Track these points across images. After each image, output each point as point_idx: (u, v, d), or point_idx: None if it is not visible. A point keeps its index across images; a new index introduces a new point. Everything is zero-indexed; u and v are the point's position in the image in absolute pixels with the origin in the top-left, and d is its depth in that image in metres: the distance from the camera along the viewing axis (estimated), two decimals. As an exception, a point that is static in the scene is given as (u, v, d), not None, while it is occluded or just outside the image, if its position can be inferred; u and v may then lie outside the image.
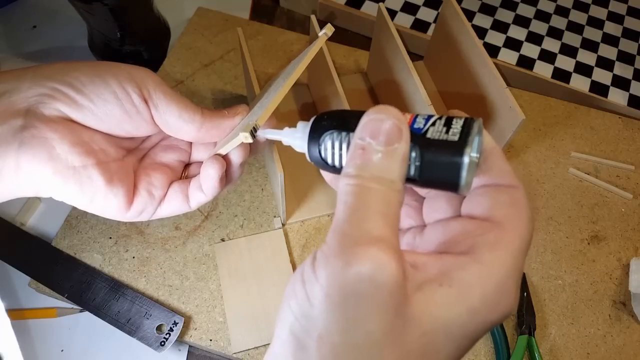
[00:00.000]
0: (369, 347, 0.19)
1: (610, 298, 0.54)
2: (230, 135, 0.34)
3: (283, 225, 0.56)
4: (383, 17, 0.56)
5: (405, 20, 0.74)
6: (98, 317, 0.50)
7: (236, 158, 0.34)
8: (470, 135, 0.21)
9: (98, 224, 0.55)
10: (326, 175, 0.28)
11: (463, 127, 0.22)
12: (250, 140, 0.31)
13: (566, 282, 0.55)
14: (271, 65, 0.68)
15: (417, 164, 0.22)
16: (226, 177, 0.35)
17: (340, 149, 0.25)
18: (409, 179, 0.23)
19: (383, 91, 0.64)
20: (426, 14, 0.75)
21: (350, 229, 0.20)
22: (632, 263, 0.55)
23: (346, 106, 0.49)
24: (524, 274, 0.55)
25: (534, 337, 0.51)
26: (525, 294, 0.53)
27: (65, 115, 0.30)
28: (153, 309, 0.50)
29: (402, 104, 0.56)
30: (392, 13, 0.74)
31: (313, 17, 0.55)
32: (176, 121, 0.33)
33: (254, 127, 0.31)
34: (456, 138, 0.22)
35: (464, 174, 0.21)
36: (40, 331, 0.52)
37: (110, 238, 0.55)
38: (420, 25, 0.73)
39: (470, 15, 0.75)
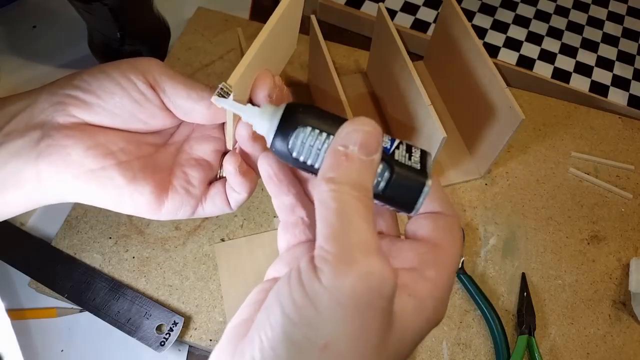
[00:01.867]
0: (369, 355, 0.20)
1: (610, 298, 0.54)
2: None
3: (283, 225, 0.56)
4: (383, 17, 0.56)
5: (405, 20, 0.74)
6: (98, 317, 0.50)
7: (241, 137, 0.31)
8: (428, 167, 0.25)
9: (98, 224, 0.55)
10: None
11: (421, 157, 0.26)
12: (219, 104, 0.29)
13: (566, 282, 0.55)
14: (271, 65, 0.68)
15: (384, 180, 0.24)
16: (252, 167, 0.32)
17: (318, 148, 0.25)
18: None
19: (383, 91, 0.64)
20: (426, 14, 0.75)
21: (347, 236, 0.20)
22: (632, 263, 0.55)
23: (346, 106, 0.49)
24: (523, 274, 0.55)
25: (534, 337, 0.51)
26: (525, 294, 0.53)
27: (79, 120, 0.30)
28: (153, 309, 0.50)
29: (402, 104, 0.56)
30: (392, 13, 0.74)
31: (313, 17, 0.55)
32: (185, 102, 0.31)
33: (221, 88, 0.29)
34: (418, 166, 0.25)
35: (421, 199, 0.24)
36: (40, 331, 0.52)
37: (110, 238, 0.55)
38: (420, 25, 0.73)
39: (470, 15, 0.75)
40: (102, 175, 0.30)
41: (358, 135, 0.22)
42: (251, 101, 0.31)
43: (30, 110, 0.30)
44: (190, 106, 0.31)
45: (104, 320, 0.49)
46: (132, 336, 0.49)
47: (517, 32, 0.74)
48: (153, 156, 0.32)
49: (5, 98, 0.31)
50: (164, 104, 0.31)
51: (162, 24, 0.68)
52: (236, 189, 0.32)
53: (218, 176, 0.34)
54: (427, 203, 0.26)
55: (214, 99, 0.29)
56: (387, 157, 0.25)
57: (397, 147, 0.25)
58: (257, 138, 0.30)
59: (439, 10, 0.60)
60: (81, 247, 0.54)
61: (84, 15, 0.60)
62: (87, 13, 0.59)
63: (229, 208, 0.33)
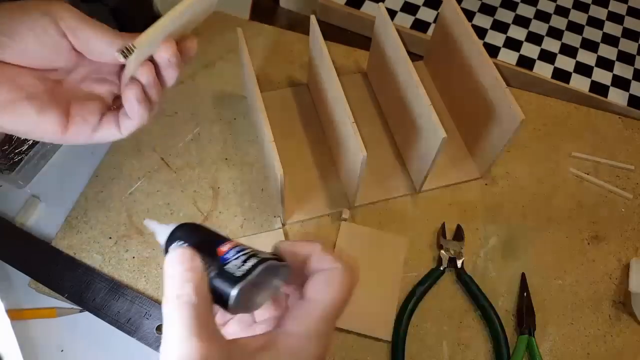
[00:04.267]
0: None
1: (610, 298, 0.54)
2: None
3: (283, 225, 0.56)
4: (383, 17, 0.56)
5: (405, 20, 0.74)
6: (98, 317, 0.50)
7: (144, 79, 0.37)
8: (251, 274, 0.30)
9: (98, 224, 0.55)
10: None
11: (253, 265, 0.30)
12: (121, 60, 0.35)
13: (566, 282, 0.55)
14: (271, 65, 0.68)
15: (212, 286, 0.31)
16: (148, 100, 0.39)
17: None
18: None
19: (383, 91, 0.64)
20: (426, 14, 0.75)
21: (166, 338, 0.26)
22: (632, 263, 0.55)
23: (346, 106, 0.49)
24: (523, 274, 0.55)
25: (534, 337, 0.51)
26: (525, 294, 0.53)
27: None
28: (153, 309, 0.50)
29: (402, 104, 0.56)
30: (392, 13, 0.74)
31: (313, 17, 0.55)
32: (96, 44, 0.35)
33: (126, 47, 0.35)
34: (240, 274, 0.30)
35: (231, 301, 0.29)
36: (40, 331, 0.52)
37: (110, 238, 0.55)
38: (420, 25, 0.73)
39: (470, 15, 0.75)
40: (14, 107, 0.34)
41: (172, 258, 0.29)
42: (154, 59, 0.37)
43: None
44: (101, 49, 0.36)
45: (103, 320, 0.49)
46: (132, 336, 0.49)
47: (517, 32, 0.74)
48: (56, 90, 0.37)
49: None
50: (72, 46, 0.35)
51: (162, 24, 0.68)
52: (132, 116, 0.38)
53: (111, 108, 0.40)
54: (309, 267, 0.31)
55: (117, 55, 0.35)
56: (219, 267, 0.31)
57: (236, 258, 0.32)
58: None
59: (439, 10, 0.60)
60: (81, 247, 0.54)
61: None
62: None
63: (119, 133, 0.39)
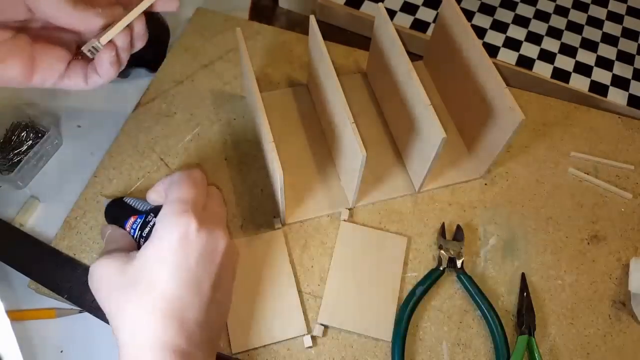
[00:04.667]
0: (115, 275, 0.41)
1: (610, 298, 0.54)
2: (116, 23, 0.40)
3: (283, 225, 0.56)
4: (382, 17, 0.56)
5: (404, 20, 0.74)
6: (97, 317, 0.50)
7: (120, 43, 0.41)
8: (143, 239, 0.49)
9: (97, 225, 0.55)
10: None
11: (145, 235, 0.49)
12: (88, 56, 0.40)
13: (566, 282, 0.55)
14: (271, 65, 0.68)
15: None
16: (118, 62, 0.42)
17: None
18: None
19: (382, 91, 0.64)
20: (426, 14, 0.75)
21: None
22: (632, 263, 0.55)
23: (346, 106, 0.49)
24: (523, 274, 0.55)
25: (534, 337, 0.51)
26: (525, 294, 0.53)
27: None
28: (153, 310, 0.50)
29: (401, 104, 0.56)
30: (392, 13, 0.74)
31: (312, 17, 0.55)
32: (48, 8, 0.37)
33: (94, 47, 0.40)
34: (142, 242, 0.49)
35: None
36: (39, 332, 0.52)
37: (110, 238, 0.54)
38: (420, 25, 0.73)
39: (469, 15, 0.75)
40: None
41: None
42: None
43: None
44: (52, 13, 0.37)
45: (103, 320, 0.49)
46: (132, 337, 0.48)
47: (517, 32, 0.74)
48: (15, 39, 0.38)
49: None
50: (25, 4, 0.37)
51: (162, 24, 0.68)
52: (102, 74, 0.42)
53: (76, 58, 0.43)
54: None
55: (84, 51, 0.39)
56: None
57: (135, 234, 0.49)
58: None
59: (439, 10, 0.60)
60: (81, 248, 0.54)
61: (83, 15, 0.60)
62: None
63: (84, 84, 0.42)
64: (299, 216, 0.56)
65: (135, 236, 0.49)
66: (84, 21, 0.38)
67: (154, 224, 0.46)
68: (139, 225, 0.49)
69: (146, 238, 0.48)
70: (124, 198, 0.53)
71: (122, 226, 0.50)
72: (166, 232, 0.40)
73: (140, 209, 0.51)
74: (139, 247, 0.48)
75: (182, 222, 0.40)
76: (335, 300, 0.51)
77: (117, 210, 0.52)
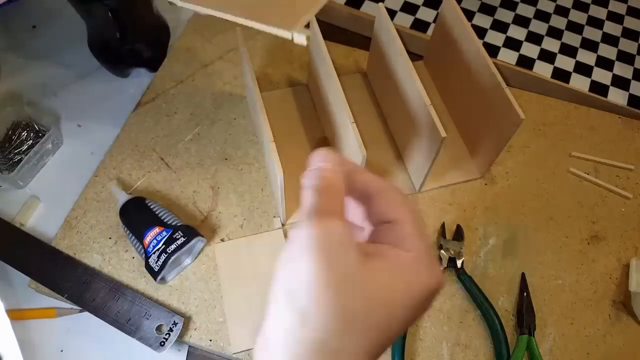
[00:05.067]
0: (344, 284, 0.25)
1: (610, 298, 0.54)
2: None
3: (283, 225, 0.56)
4: (383, 17, 0.56)
5: (405, 20, 0.74)
6: (98, 317, 0.50)
7: None
8: (164, 268, 0.49)
9: (98, 224, 0.55)
10: None
11: (163, 262, 0.49)
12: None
13: (566, 282, 0.55)
14: (271, 65, 0.68)
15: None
16: None
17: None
18: None
19: (383, 91, 0.64)
20: (426, 13, 0.75)
21: (304, 211, 0.27)
22: (632, 263, 0.55)
23: (346, 106, 0.49)
24: (523, 274, 0.55)
25: (534, 337, 0.51)
26: (525, 294, 0.53)
27: None
28: (153, 309, 0.50)
29: (401, 104, 0.56)
30: (392, 13, 0.74)
31: (313, 17, 0.55)
32: None
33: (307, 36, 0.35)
34: (157, 268, 0.50)
35: (157, 281, 0.51)
36: (40, 331, 0.52)
37: (110, 238, 0.54)
38: (420, 25, 0.73)
39: (470, 15, 0.75)
40: None
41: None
42: None
43: None
44: None
45: (103, 320, 0.49)
46: (132, 336, 0.48)
47: (517, 32, 0.74)
48: None
49: None
50: None
51: (162, 24, 0.68)
52: None
53: None
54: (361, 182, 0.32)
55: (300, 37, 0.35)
56: (146, 258, 0.51)
57: (154, 253, 0.50)
58: None
59: (439, 10, 0.60)
60: (81, 247, 0.54)
61: (83, 15, 0.60)
62: (86, 13, 0.59)
63: None
64: (299, 216, 0.56)
65: (155, 248, 0.49)
66: None
67: (181, 244, 0.50)
68: (164, 239, 0.50)
69: (169, 255, 0.49)
70: (147, 201, 0.54)
71: (142, 232, 0.50)
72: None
73: (167, 221, 0.52)
74: (147, 260, 0.50)
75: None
76: (335, 300, 0.52)
77: (140, 213, 0.53)
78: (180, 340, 0.50)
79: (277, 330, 0.25)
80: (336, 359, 0.24)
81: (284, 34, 0.35)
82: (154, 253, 0.49)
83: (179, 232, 0.51)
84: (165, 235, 0.50)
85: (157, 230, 0.50)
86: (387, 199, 0.30)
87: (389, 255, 0.27)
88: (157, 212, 0.52)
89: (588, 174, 0.62)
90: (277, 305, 0.26)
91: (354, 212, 0.33)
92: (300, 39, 0.34)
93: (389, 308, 0.26)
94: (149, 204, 0.53)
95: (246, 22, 0.36)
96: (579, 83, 0.70)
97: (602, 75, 0.71)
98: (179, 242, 0.50)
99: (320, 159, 0.30)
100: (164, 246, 0.49)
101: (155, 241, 0.50)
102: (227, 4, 0.37)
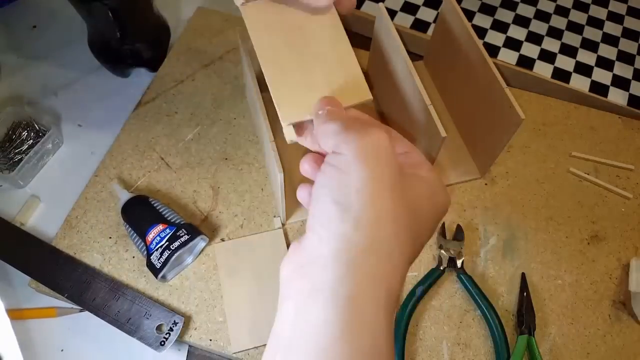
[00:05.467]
0: (387, 191, 0.27)
1: (610, 298, 0.54)
2: None
3: (283, 225, 0.56)
4: (383, 17, 0.56)
5: (405, 20, 0.74)
6: (98, 317, 0.50)
7: None
8: (167, 265, 0.50)
9: (98, 224, 0.55)
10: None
11: (166, 258, 0.49)
12: None
13: (566, 282, 0.55)
14: (271, 65, 0.68)
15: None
16: None
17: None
18: None
19: (383, 91, 0.64)
20: (426, 13, 0.75)
21: (345, 129, 0.29)
22: (632, 263, 0.55)
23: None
24: (523, 274, 0.55)
25: (534, 337, 0.51)
26: (525, 294, 0.53)
27: None
28: (153, 309, 0.50)
29: (402, 104, 0.56)
30: (392, 13, 0.74)
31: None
32: None
33: None
34: (159, 265, 0.50)
35: (158, 279, 0.51)
36: (40, 331, 0.52)
37: (110, 238, 0.55)
38: (420, 25, 0.73)
39: (470, 15, 0.75)
40: None
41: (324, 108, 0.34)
42: None
43: None
44: None
45: (103, 320, 0.49)
46: (132, 336, 0.48)
47: (517, 32, 0.74)
48: None
49: None
50: None
51: (162, 24, 0.68)
52: None
53: None
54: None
55: None
56: (148, 255, 0.51)
57: (156, 250, 0.50)
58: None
59: (439, 10, 0.60)
60: (81, 247, 0.54)
61: (84, 14, 0.60)
62: (87, 13, 0.59)
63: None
64: (299, 216, 0.56)
65: (159, 245, 0.50)
66: None
67: (185, 241, 0.50)
68: (167, 236, 0.50)
69: (173, 252, 0.49)
70: (150, 199, 0.54)
71: (145, 230, 0.51)
72: None
73: (170, 219, 0.52)
74: (149, 257, 0.50)
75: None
76: (335, 300, 0.51)
77: (143, 210, 0.53)
78: (180, 340, 0.50)
79: (329, 241, 0.26)
80: (389, 261, 0.26)
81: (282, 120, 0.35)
82: (157, 250, 0.50)
83: (183, 229, 0.51)
84: (169, 233, 0.50)
85: (160, 227, 0.50)
86: (397, 137, 0.34)
87: (417, 172, 0.30)
88: (160, 210, 0.52)
89: (588, 174, 0.62)
90: (327, 215, 0.27)
91: None
92: (289, 133, 0.35)
93: (422, 217, 0.29)
94: (152, 202, 0.53)
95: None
96: (579, 83, 0.70)
97: (602, 76, 0.71)
98: (182, 239, 0.50)
99: (324, 103, 0.33)
100: (167, 243, 0.50)
101: (158, 238, 0.50)
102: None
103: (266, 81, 0.36)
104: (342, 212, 0.26)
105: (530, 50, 0.72)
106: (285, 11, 0.36)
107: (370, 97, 0.35)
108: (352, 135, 0.28)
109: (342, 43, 0.36)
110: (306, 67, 0.35)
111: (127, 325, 0.49)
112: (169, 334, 0.48)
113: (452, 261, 0.54)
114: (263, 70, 0.36)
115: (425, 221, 0.30)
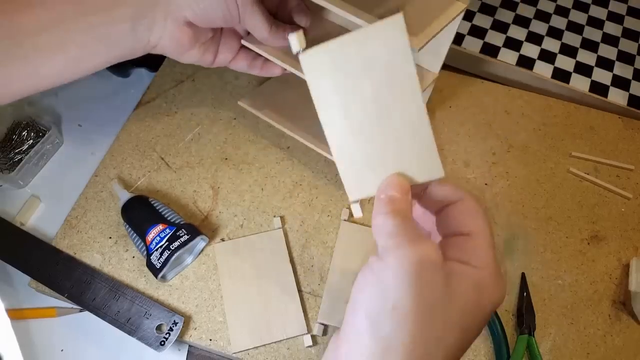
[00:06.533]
0: (430, 310, 0.26)
1: (610, 298, 0.54)
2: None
3: (283, 225, 0.56)
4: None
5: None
6: (98, 316, 0.50)
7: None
8: (166, 265, 0.49)
9: (98, 224, 0.55)
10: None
11: (166, 258, 0.49)
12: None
13: (566, 282, 0.55)
14: (271, 65, 0.68)
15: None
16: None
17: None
18: None
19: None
20: (426, 14, 0.74)
21: (398, 234, 0.28)
22: (632, 263, 0.55)
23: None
24: (523, 274, 0.55)
25: (534, 337, 0.51)
26: (525, 294, 0.53)
27: (185, 18, 0.42)
28: (153, 309, 0.50)
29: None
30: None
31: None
32: (251, 28, 0.44)
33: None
34: (159, 265, 0.50)
35: (158, 279, 0.51)
36: (40, 331, 0.52)
37: (110, 238, 0.55)
38: (420, 25, 0.73)
39: (470, 15, 0.75)
40: (188, 53, 0.46)
41: (389, 189, 0.31)
42: None
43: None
44: (252, 29, 0.45)
45: (103, 320, 0.49)
46: (132, 336, 0.48)
47: (517, 32, 0.74)
48: (214, 37, 0.47)
49: None
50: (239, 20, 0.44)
51: (162, 24, 0.68)
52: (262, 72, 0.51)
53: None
54: (438, 194, 0.32)
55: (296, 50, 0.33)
56: (148, 255, 0.51)
57: (156, 250, 0.50)
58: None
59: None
60: (81, 247, 0.54)
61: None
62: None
63: (248, 69, 0.50)
64: (300, 215, 0.56)
65: (158, 245, 0.50)
66: (273, 41, 0.46)
67: (185, 241, 0.50)
68: (167, 236, 0.50)
69: (172, 252, 0.49)
70: (150, 199, 0.54)
71: (145, 230, 0.50)
72: None
73: (170, 219, 0.52)
74: (149, 257, 0.50)
75: None
76: (335, 300, 0.51)
77: (143, 210, 0.53)
78: (180, 340, 0.50)
79: (355, 356, 0.26)
80: None
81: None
82: (157, 250, 0.50)
83: (183, 229, 0.51)
84: (169, 233, 0.50)
85: (160, 227, 0.50)
86: (465, 210, 0.31)
87: (465, 276, 0.28)
88: (160, 210, 0.53)
89: (588, 174, 0.62)
90: (356, 329, 0.26)
91: (423, 219, 0.34)
92: (356, 211, 0.34)
93: (464, 331, 0.28)
94: (152, 202, 0.53)
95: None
96: (579, 83, 0.70)
97: (602, 76, 0.71)
98: (182, 239, 0.50)
99: (389, 187, 0.30)
100: (167, 243, 0.50)
101: (158, 238, 0.50)
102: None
103: (330, 149, 0.34)
104: (373, 328, 0.26)
105: (530, 50, 0.72)
106: (352, 60, 0.30)
107: (443, 174, 0.31)
108: (402, 249, 0.27)
109: (417, 111, 0.31)
110: (375, 137, 0.32)
111: (127, 325, 0.49)
112: (169, 333, 0.48)
113: (452, 261, 0.54)
114: (326, 134, 0.33)
115: (472, 331, 0.29)
